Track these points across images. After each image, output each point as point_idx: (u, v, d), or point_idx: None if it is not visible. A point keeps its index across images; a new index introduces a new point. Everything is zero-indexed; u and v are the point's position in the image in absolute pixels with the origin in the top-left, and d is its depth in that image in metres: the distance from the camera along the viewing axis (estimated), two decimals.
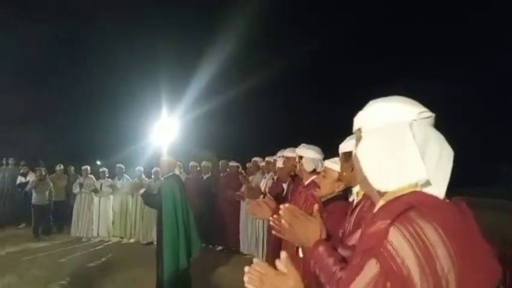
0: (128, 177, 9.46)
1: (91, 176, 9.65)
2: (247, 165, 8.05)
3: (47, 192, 9.40)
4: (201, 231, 7.91)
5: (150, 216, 8.67)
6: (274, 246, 4.39)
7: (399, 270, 0.84)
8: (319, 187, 2.38)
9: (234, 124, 13.81)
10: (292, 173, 3.91)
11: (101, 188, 9.41)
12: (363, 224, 1.07)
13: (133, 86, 14.22)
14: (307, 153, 3.08)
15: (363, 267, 0.89)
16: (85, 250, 8.21)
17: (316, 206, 1.60)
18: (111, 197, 9.47)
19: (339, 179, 2.23)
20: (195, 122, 13.00)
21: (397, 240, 0.87)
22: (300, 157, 3.17)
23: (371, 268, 0.88)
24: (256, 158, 7.77)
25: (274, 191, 5.42)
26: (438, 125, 1.07)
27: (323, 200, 2.38)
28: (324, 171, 2.40)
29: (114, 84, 14.56)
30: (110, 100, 14.31)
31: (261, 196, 3.99)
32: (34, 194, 9.29)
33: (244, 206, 7.59)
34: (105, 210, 9.46)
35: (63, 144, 14.00)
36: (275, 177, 5.99)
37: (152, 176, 9.21)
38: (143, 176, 9.37)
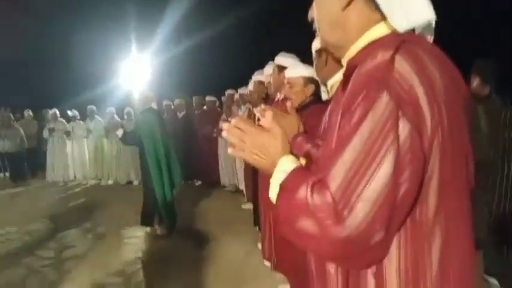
0: (100, 118, 9.22)
1: (61, 119, 9.37)
2: (222, 98, 7.92)
3: (18, 139, 9.15)
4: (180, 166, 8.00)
5: (126, 156, 8.62)
6: (254, 178, 4.44)
7: (408, 96, 0.80)
8: (290, 98, 2.36)
9: (207, 61, 13.40)
10: (264, 96, 3.86)
11: (73, 130, 9.18)
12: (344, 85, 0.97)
13: (99, 21, 13.44)
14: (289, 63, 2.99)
15: (372, 104, 0.80)
16: (62, 193, 8.16)
17: (288, 103, 1.58)
18: (84, 139, 9.28)
19: (305, 84, 2.20)
20: (167, 61, 12.56)
21: (403, 67, 0.82)
22: (283, 68, 3.04)
23: (382, 101, 0.80)
24: (229, 91, 7.63)
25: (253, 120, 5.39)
26: None
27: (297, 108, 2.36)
28: (288, 82, 2.36)
29: (78, 20, 13.74)
30: (76, 38, 13.53)
31: None
32: (5, 142, 9.03)
33: (221, 141, 7.59)
34: (80, 153, 9.31)
35: (28, 88, 13.41)
36: (251, 107, 5.94)
37: (125, 117, 9.02)
38: (116, 117, 9.16)
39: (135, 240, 4.91)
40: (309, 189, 0.83)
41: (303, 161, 1.03)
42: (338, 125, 0.91)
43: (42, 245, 4.79)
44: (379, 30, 0.96)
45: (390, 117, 0.79)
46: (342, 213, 0.78)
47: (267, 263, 3.57)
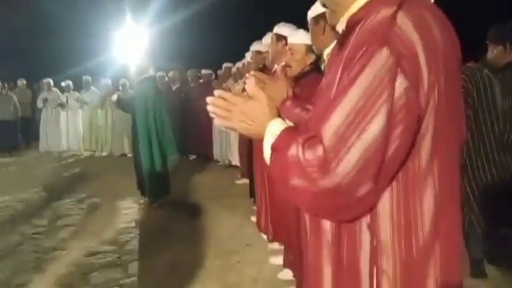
0: (95, 89, 9.14)
1: (55, 89, 9.27)
2: (219, 72, 7.84)
3: (11, 107, 9.07)
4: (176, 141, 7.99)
5: (121, 128, 8.59)
6: (249, 153, 4.45)
7: (408, 53, 0.80)
8: (290, 67, 2.33)
9: (204, 33, 13.21)
10: (261, 66, 3.82)
11: (67, 101, 9.10)
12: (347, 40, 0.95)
13: None
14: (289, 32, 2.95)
15: (371, 58, 0.80)
16: (56, 163, 8.17)
17: (278, 67, 1.58)
18: (79, 110, 9.22)
19: (306, 52, 2.18)
20: (163, 32, 12.36)
21: (405, 24, 0.82)
22: (280, 37, 3.00)
23: (381, 56, 0.80)
24: (226, 64, 7.55)
25: None
26: None
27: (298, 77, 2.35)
28: (290, 49, 2.34)
29: None
30: (70, 8, 13.27)
31: None
32: None
33: None
34: (74, 124, 9.27)
35: (21, 58, 13.18)
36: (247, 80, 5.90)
37: (120, 88, 8.94)
38: (111, 88, 9.08)
39: (129, 210, 4.96)
40: (299, 147, 0.85)
41: (291, 124, 1.03)
42: (337, 81, 0.91)
43: (37, 213, 4.82)
44: None
45: (388, 72, 0.79)
46: (330, 164, 0.80)
47: (264, 236, 3.63)
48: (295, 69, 2.31)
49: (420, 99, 0.81)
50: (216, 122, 1.04)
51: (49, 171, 7.37)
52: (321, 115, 0.87)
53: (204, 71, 8.19)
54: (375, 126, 0.79)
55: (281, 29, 3.02)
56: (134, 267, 3.33)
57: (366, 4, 0.95)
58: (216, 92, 1.02)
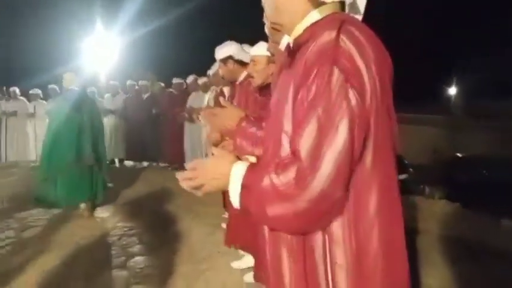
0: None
1: (22, 97, 9.07)
2: (188, 81, 7.87)
3: None
4: (143, 148, 7.96)
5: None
6: None
7: (353, 70, 0.94)
8: (252, 77, 2.45)
9: (173, 43, 13.26)
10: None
11: (34, 110, 8.91)
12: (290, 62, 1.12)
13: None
14: (232, 49, 3.12)
15: (324, 78, 0.94)
16: (23, 173, 7.98)
17: (221, 99, 1.70)
18: (47, 120, 9.04)
19: (268, 62, 2.29)
20: (133, 42, 12.32)
21: (346, 45, 0.96)
22: (226, 59, 3.18)
23: (333, 75, 0.94)
24: (191, 76, 7.63)
25: (217, 102, 5.45)
26: None
27: (259, 87, 2.47)
28: (252, 60, 2.46)
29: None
30: (36, 14, 13.04)
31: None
32: None
33: (188, 125, 7.60)
34: (42, 134, 9.06)
35: None
36: (217, 89, 5.99)
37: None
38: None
39: (98, 218, 4.93)
40: (272, 174, 0.96)
41: (252, 159, 1.14)
42: (291, 99, 1.03)
43: (3, 225, 4.70)
44: (320, 13, 1.09)
45: (341, 88, 0.93)
46: (307, 178, 0.92)
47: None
48: (258, 79, 2.44)
49: (367, 107, 0.95)
50: (196, 193, 1.15)
51: (15, 181, 7.19)
52: (295, 133, 0.99)
53: (174, 80, 8.23)
54: (341, 137, 0.92)
55: (222, 51, 3.20)
56: (103, 278, 3.33)
57: (310, 27, 1.09)
58: (179, 177, 1.15)
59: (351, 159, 0.93)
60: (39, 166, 5.18)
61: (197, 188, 1.13)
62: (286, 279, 1.08)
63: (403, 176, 7.92)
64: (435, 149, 11.98)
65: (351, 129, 0.92)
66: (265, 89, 2.50)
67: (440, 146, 12.66)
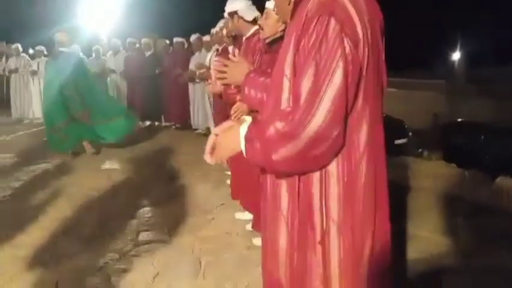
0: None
1: (24, 54, 9.05)
2: (192, 41, 7.81)
3: None
4: (146, 107, 8.01)
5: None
6: (222, 118, 4.61)
7: (348, 21, 1.06)
8: (262, 28, 2.51)
9: (176, 2, 13.03)
10: (233, 34, 3.96)
11: (38, 68, 8.90)
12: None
13: None
14: (240, 5, 3.14)
15: (323, 27, 1.05)
16: (27, 130, 8.10)
17: (236, 51, 1.77)
18: None
19: (278, 19, 2.34)
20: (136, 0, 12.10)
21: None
22: (233, 14, 3.21)
23: (330, 24, 1.04)
24: (194, 36, 7.55)
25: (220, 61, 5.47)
26: None
27: (267, 41, 2.54)
28: (265, 13, 2.51)
29: None
30: None
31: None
32: None
33: (192, 85, 7.60)
34: None
35: None
36: (219, 48, 5.99)
37: (94, 55, 8.83)
38: (81, 55, 8.91)
39: (108, 171, 5.11)
40: (276, 122, 1.07)
41: (248, 119, 1.25)
42: (293, 47, 1.14)
43: (9, 177, 4.86)
44: None
45: (337, 36, 1.04)
46: (308, 116, 1.03)
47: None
48: (267, 33, 2.50)
49: (359, 55, 1.07)
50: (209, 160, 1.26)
51: (20, 139, 7.31)
52: (290, 81, 1.12)
53: (175, 39, 8.17)
54: (337, 78, 1.03)
55: (230, 6, 3.24)
56: (113, 224, 3.51)
57: None
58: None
59: (347, 101, 1.05)
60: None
61: (218, 158, 1.26)
62: (284, 204, 1.22)
63: (403, 140, 8.05)
64: (436, 113, 12.08)
65: (345, 74, 1.03)
66: (273, 45, 2.56)
67: (441, 111, 12.75)
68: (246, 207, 3.38)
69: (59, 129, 5.54)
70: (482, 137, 7.53)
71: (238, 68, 1.67)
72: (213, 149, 1.25)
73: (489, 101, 13.88)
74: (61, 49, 5.63)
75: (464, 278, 2.59)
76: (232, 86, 1.77)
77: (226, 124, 1.25)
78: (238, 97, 2.65)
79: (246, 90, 1.60)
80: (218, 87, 3.07)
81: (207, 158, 1.26)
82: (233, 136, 1.19)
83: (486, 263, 2.77)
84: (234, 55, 1.81)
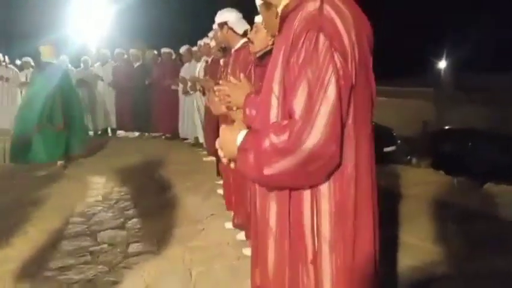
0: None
1: (11, 66, 8.97)
2: (181, 50, 7.79)
3: None
4: (134, 118, 7.97)
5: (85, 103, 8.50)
6: (212, 129, 4.60)
7: (336, 36, 1.06)
8: (252, 42, 2.53)
9: (167, 11, 13.06)
10: (223, 46, 3.98)
11: (26, 79, 8.80)
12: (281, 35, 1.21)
13: None
14: (230, 16, 3.17)
15: (312, 43, 1.05)
16: None
17: (242, 75, 1.79)
18: None
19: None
20: (127, 10, 12.10)
21: (330, 14, 1.08)
22: (222, 24, 3.23)
23: (319, 40, 1.04)
24: (184, 47, 7.55)
25: (210, 73, 5.49)
26: None
27: (258, 55, 2.55)
28: (255, 27, 2.53)
29: None
30: None
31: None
32: None
33: (182, 94, 7.57)
34: None
35: None
36: (209, 60, 6.01)
37: (82, 65, 8.79)
38: (70, 66, 8.87)
39: (96, 182, 5.07)
40: (271, 135, 1.06)
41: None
42: (281, 63, 1.14)
43: (1, 188, 4.79)
44: None
45: (327, 52, 1.04)
46: (304, 133, 1.02)
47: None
48: (257, 46, 2.51)
49: (349, 69, 1.07)
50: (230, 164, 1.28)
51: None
52: (290, 95, 1.09)
53: (163, 50, 8.18)
54: (331, 95, 1.02)
55: (220, 16, 3.27)
56: (102, 236, 3.47)
57: None
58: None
59: (341, 116, 1.04)
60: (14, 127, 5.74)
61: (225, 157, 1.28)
62: (272, 221, 1.21)
63: (391, 148, 8.11)
64: (425, 121, 12.20)
65: (338, 89, 1.03)
66: (263, 59, 2.57)
67: (429, 119, 12.88)
68: (237, 224, 3.35)
69: (27, 137, 5.51)
70: (470, 144, 7.60)
71: (241, 90, 1.69)
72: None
73: (477, 109, 14.05)
74: (46, 60, 5.78)
75: (456, 283, 2.61)
76: (235, 108, 1.77)
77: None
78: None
79: (247, 111, 1.62)
80: (222, 108, 3.04)
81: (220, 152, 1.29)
82: (231, 141, 1.20)
83: (477, 268, 2.79)
84: (235, 77, 1.83)
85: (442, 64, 28.38)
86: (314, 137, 1.01)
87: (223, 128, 1.26)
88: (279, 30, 1.24)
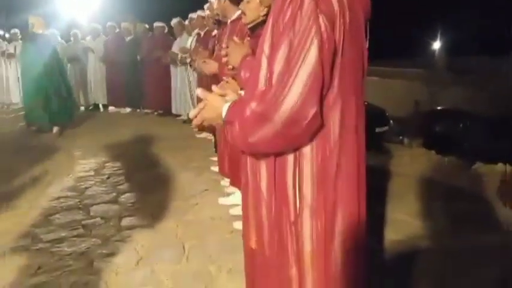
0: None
1: None
2: (173, 25, 7.64)
3: None
4: (126, 94, 7.93)
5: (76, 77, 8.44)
6: None
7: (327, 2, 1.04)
8: (244, 13, 2.49)
9: None
10: (217, 17, 3.93)
11: (15, 51, 8.65)
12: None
13: None
14: None
15: (298, 4, 1.02)
16: (5, 115, 7.91)
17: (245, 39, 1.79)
18: None
19: (261, 3, 2.33)
20: None
21: None
22: None
23: (305, 2, 1.02)
24: (175, 19, 7.41)
25: (202, 45, 5.43)
26: None
27: (249, 26, 2.53)
28: None
29: None
30: None
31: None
32: None
33: (174, 69, 7.47)
34: None
35: None
36: (202, 33, 5.93)
37: (72, 39, 8.63)
38: (60, 39, 8.71)
39: (89, 157, 5.06)
40: (252, 104, 1.06)
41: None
42: (271, 25, 1.12)
43: None
44: None
45: (312, 14, 1.02)
46: (280, 97, 1.01)
47: (222, 182, 3.91)
48: (249, 17, 2.48)
49: (335, 33, 1.06)
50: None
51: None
52: (268, 59, 1.09)
53: (156, 24, 8.01)
54: (311, 57, 1.00)
55: None
56: (95, 210, 3.48)
57: None
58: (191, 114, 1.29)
59: (322, 80, 1.02)
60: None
61: (203, 126, 1.28)
62: (262, 186, 1.23)
63: (384, 128, 8.15)
64: (417, 101, 12.25)
65: (320, 52, 1.00)
66: (255, 30, 2.55)
67: (421, 100, 12.93)
68: (234, 183, 3.36)
69: (38, 105, 6.02)
70: (461, 125, 7.68)
71: (240, 51, 1.69)
72: (201, 109, 1.26)
73: (469, 90, 14.11)
74: (36, 32, 5.96)
75: (438, 257, 2.67)
76: (230, 66, 1.80)
77: (220, 90, 1.26)
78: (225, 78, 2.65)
79: (242, 73, 1.62)
80: (213, 67, 3.01)
81: (191, 114, 1.28)
82: (218, 109, 1.20)
83: (461, 243, 2.85)
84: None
85: (435, 45, 28.34)
86: (290, 100, 1.00)
87: (212, 94, 1.25)
88: None
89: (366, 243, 1.29)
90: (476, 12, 27.29)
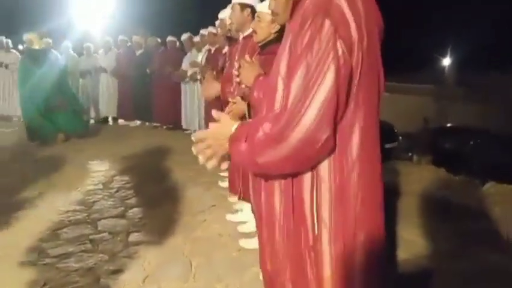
0: (56, 52, 8.83)
1: (13, 50, 8.91)
2: (183, 40, 7.70)
3: None
4: (136, 107, 7.99)
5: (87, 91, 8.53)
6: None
7: (343, 24, 1.04)
8: (255, 32, 2.51)
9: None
10: (228, 34, 3.94)
11: None
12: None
13: None
14: (256, 2, 3.05)
15: (317, 28, 1.03)
16: (11, 128, 8.00)
17: (251, 57, 1.80)
18: None
19: (273, 21, 2.35)
20: None
21: (339, 1, 1.06)
22: (246, 6, 3.08)
23: (325, 26, 1.02)
24: (186, 35, 7.48)
25: (212, 62, 5.47)
26: None
27: (260, 44, 2.54)
28: (257, 16, 2.51)
29: None
30: None
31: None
32: None
33: (184, 85, 7.52)
34: None
35: None
36: (212, 49, 5.98)
37: (84, 52, 8.75)
38: (72, 52, 8.82)
39: (97, 171, 5.06)
40: (265, 125, 1.06)
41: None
42: (288, 47, 1.13)
43: (3, 172, 4.79)
44: None
45: (331, 38, 1.03)
46: (295, 118, 1.02)
47: (230, 198, 3.89)
48: (260, 36, 2.50)
49: (353, 58, 1.06)
50: (202, 161, 1.26)
51: (6, 135, 7.21)
52: (284, 80, 1.10)
53: (168, 38, 8.08)
54: (328, 81, 1.01)
55: None
56: (103, 224, 3.48)
57: None
58: (196, 137, 1.26)
59: (337, 105, 1.03)
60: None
61: (211, 156, 1.24)
62: (277, 210, 1.22)
63: (393, 144, 8.13)
64: (426, 117, 12.21)
65: (337, 77, 1.01)
66: (265, 47, 2.56)
67: (431, 116, 12.88)
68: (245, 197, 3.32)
69: (37, 118, 6.27)
70: (472, 142, 7.63)
71: (252, 71, 1.71)
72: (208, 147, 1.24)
73: (479, 107, 14.05)
74: (32, 47, 6.41)
75: (448, 278, 2.62)
76: (243, 85, 1.82)
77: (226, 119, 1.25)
78: (231, 98, 2.65)
79: (255, 93, 1.63)
80: (214, 91, 3.02)
81: (200, 155, 1.25)
82: (226, 134, 1.19)
83: (471, 264, 2.80)
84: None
85: (444, 61, 28.33)
86: (305, 123, 1.01)
87: (217, 124, 1.23)
88: (291, 16, 1.22)
89: (386, 266, 1.27)
90: (487, 28, 27.29)
